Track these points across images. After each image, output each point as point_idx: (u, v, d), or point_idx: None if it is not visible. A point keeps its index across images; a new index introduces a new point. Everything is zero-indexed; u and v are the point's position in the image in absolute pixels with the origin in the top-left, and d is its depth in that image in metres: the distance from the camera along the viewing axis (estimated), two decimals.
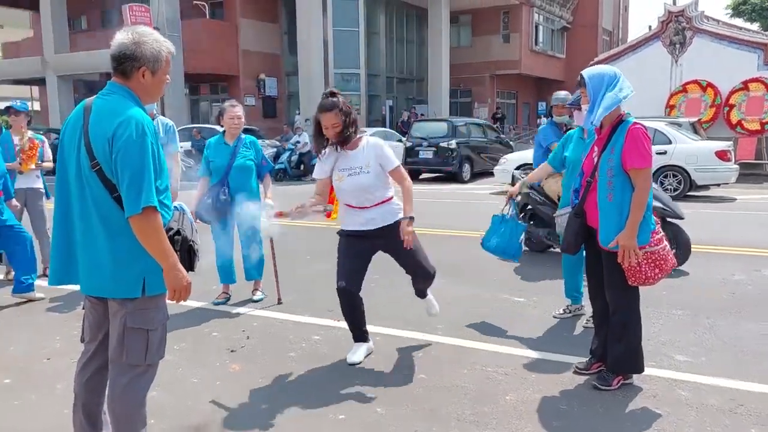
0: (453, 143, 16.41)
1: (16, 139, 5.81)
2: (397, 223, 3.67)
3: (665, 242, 3.36)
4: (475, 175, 17.00)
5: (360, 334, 3.99)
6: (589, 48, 34.03)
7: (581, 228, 3.46)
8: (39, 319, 4.89)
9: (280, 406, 3.34)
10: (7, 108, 5.91)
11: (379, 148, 3.71)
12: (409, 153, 17.09)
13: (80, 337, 2.63)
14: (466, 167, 16.85)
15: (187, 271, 2.42)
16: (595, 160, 3.36)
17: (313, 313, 4.93)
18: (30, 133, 5.97)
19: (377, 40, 27.88)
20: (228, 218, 5.06)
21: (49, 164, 6.08)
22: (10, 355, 4.12)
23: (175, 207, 2.50)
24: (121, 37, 2.36)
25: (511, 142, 20.54)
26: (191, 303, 5.21)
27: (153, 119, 5.51)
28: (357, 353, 3.92)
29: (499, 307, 5.10)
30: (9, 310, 5.14)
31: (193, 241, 2.50)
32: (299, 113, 24.17)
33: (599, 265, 3.47)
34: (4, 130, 5.99)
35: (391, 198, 3.81)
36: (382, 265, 6.55)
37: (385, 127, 24.66)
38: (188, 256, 2.48)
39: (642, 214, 3.21)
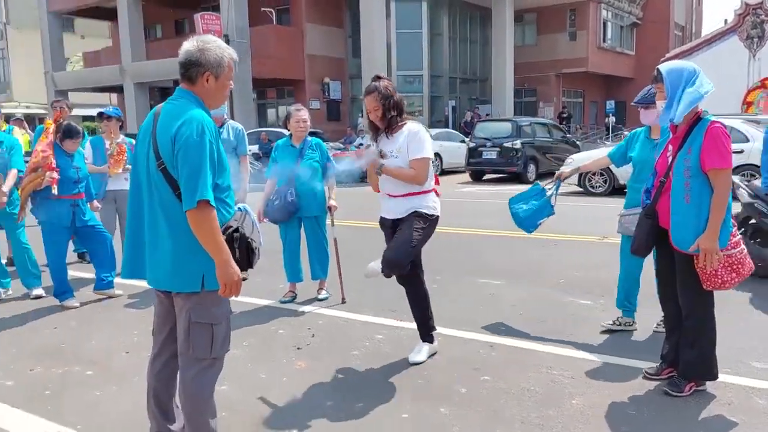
0: (517, 143, 16.19)
1: (107, 143, 6.13)
2: (409, 216, 3.69)
3: (743, 245, 3.24)
4: (541, 176, 16.69)
5: (424, 332, 4.01)
6: (661, 44, 32.87)
7: (653, 229, 3.34)
8: (118, 315, 5.14)
9: (344, 403, 3.40)
10: (100, 114, 6.23)
11: (413, 134, 3.65)
12: (472, 153, 16.98)
13: (152, 330, 2.77)
14: (531, 167, 16.60)
15: (246, 268, 2.52)
16: (669, 159, 3.24)
17: (376, 312, 4.99)
18: (120, 137, 6.29)
19: (440, 41, 27.84)
20: (295, 218, 5.19)
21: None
22: (91, 349, 4.36)
23: (238, 208, 2.59)
24: (187, 46, 2.51)
25: (577, 142, 20.10)
26: (259, 301, 5.37)
27: (223, 124, 5.73)
28: (420, 353, 3.93)
29: (564, 310, 5.01)
30: (90, 306, 5.43)
31: (251, 240, 2.57)
32: (362, 116, 24.39)
33: (671, 267, 3.37)
34: (87, 134, 6.32)
35: (427, 192, 3.73)
36: (442, 266, 6.57)
37: (447, 127, 24.57)
38: (246, 253, 2.55)
39: (723, 217, 3.10)
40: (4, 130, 5.71)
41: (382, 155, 3.62)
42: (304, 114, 5.22)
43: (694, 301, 3.27)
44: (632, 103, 4.37)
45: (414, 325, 4.57)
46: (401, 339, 4.36)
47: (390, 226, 3.83)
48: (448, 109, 28.15)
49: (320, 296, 5.36)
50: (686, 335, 3.33)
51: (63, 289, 5.34)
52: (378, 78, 3.69)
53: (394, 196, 3.73)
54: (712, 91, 3.14)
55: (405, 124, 3.68)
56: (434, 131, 20.43)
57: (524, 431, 3.04)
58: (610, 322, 4.45)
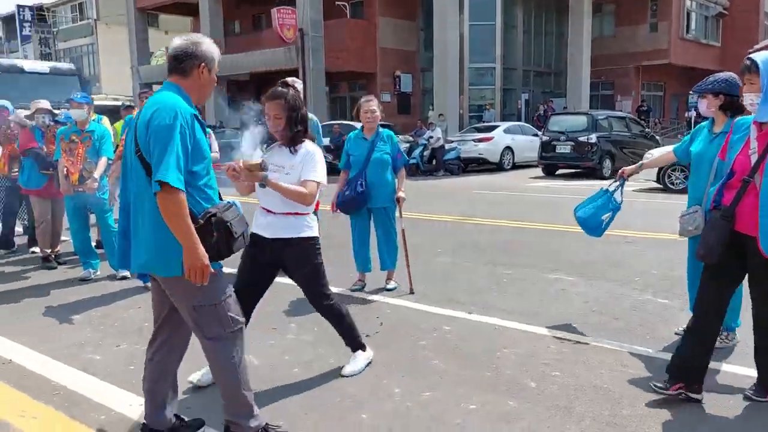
0: (593, 137, 15.72)
1: None
2: (298, 240, 3.35)
3: None
4: (617, 171, 16.14)
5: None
6: (749, 35, 31.06)
7: (727, 234, 3.01)
8: None
9: (412, 391, 3.43)
10: None
11: (311, 154, 3.32)
12: (545, 147, 16.63)
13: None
14: (607, 163, 16.09)
15: (226, 254, 2.59)
16: (753, 158, 2.98)
17: (444, 304, 4.98)
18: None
19: (514, 33, 27.36)
20: (365, 210, 5.25)
21: (216, 155, 6.64)
22: None
23: (227, 202, 2.63)
24: (179, 41, 2.61)
25: (657, 137, 19.32)
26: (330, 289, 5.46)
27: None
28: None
29: (640, 308, 4.86)
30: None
31: (230, 224, 2.55)
32: (432, 109, 24.34)
33: (734, 276, 3.12)
34: None
35: (307, 214, 3.41)
36: (513, 260, 6.49)
37: (520, 121, 24.15)
38: (226, 238, 2.54)
39: None
40: (93, 120, 6.03)
41: (263, 167, 3.09)
42: (373, 105, 5.23)
43: None
44: (692, 91, 4.16)
45: (483, 319, 4.56)
46: (469, 331, 4.34)
47: (263, 245, 3.38)
48: (521, 102, 27.67)
49: (388, 286, 5.41)
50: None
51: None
52: (285, 84, 3.36)
53: (274, 213, 3.35)
54: None
55: (305, 142, 3.35)
56: (506, 124, 20.15)
57: (596, 429, 2.98)
58: (683, 328, 4.22)
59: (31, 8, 33.42)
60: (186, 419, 2.98)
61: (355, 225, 5.36)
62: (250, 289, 3.44)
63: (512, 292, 5.32)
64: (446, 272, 6.07)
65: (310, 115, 6.20)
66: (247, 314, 3.37)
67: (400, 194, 5.27)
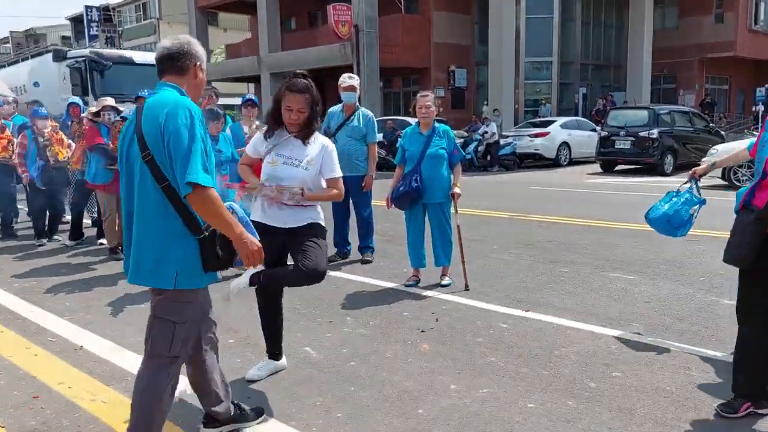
0: (654, 132, 15.25)
1: (246, 128, 6.54)
2: (307, 226, 3.36)
3: None
4: (680, 167, 15.62)
5: (277, 351, 3.69)
6: None
7: (760, 237, 2.84)
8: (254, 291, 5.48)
9: (469, 388, 3.42)
10: (248, 100, 6.63)
11: (329, 150, 3.38)
12: (604, 143, 16.23)
13: None
14: (669, 159, 15.58)
15: (226, 267, 2.54)
16: None
17: (500, 301, 4.94)
18: (257, 122, 6.70)
19: (572, 26, 26.73)
20: (420, 205, 5.26)
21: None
22: (231, 320, 4.69)
23: (230, 207, 2.55)
24: (168, 42, 2.55)
25: (721, 132, 18.58)
26: (384, 283, 5.51)
27: (354, 112, 5.93)
28: (262, 369, 3.63)
29: (705, 309, 4.69)
30: (231, 280, 5.82)
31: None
32: (487, 103, 24.07)
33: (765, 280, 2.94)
34: (229, 120, 6.77)
35: (315, 206, 3.44)
36: (571, 257, 6.37)
37: (577, 115, 23.63)
38: (228, 251, 2.48)
39: None
40: None
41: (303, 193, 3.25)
42: (429, 100, 5.21)
43: None
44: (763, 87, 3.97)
45: (541, 317, 4.51)
46: (526, 329, 4.30)
47: (280, 235, 3.36)
48: (578, 97, 27.05)
49: (443, 282, 5.40)
50: None
51: None
52: (305, 77, 3.27)
53: (289, 205, 3.33)
54: None
55: (315, 134, 3.36)
56: (563, 119, 19.77)
57: None
58: None
59: (98, 8, 34.75)
60: (246, 408, 3.04)
61: (410, 220, 5.37)
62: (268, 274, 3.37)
63: (570, 290, 5.23)
64: (502, 269, 6.02)
65: (366, 111, 6.28)
66: (275, 299, 3.62)
67: (456, 190, 5.25)
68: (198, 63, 2.58)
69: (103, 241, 7.45)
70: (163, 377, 2.52)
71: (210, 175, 2.39)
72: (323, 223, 3.45)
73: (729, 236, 2.97)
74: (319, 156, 3.32)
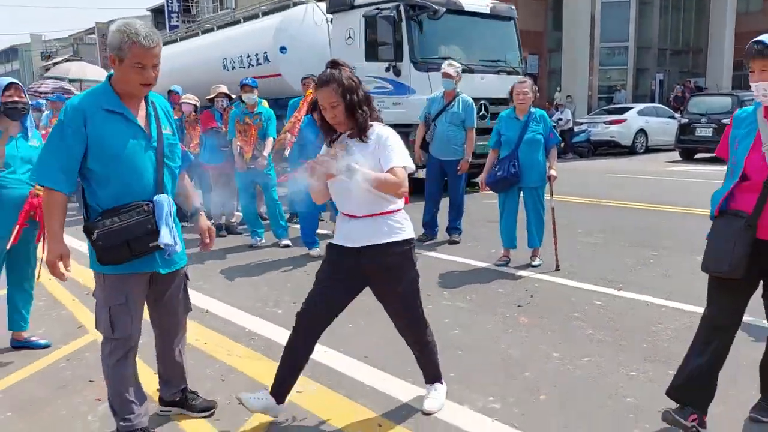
0: None
1: None
2: (391, 245, 2.80)
3: None
4: None
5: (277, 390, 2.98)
6: None
7: (751, 243, 2.57)
8: None
9: (571, 356, 3.65)
10: None
11: (384, 138, 2.75)
12: (684, 130, 15.84)
13: None
14: None
15: (107, 261, 2.54)
16: None
17: (591, 281, 5.11)
18: None
19: (650, 10, 25.95)
20: (515, 188, 5.48)
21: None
22: None
23: (139, 203, 2.56)
24: None
25: None
26: (476, 263, 5.77)
27: (455, 97, 6.20)
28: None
29: None
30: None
31: (104, 231, 2.50)
32: (560, 90, 23.76)
33: (753, 286, 2.73)
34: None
35: (399, 210, 2.86)
36: (659, 242, 6.42)
37: (653, 102, 23.01)
38: (120, 246, 2.53)
39: None
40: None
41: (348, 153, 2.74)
42: (526, 87, 5.42)
43: None
44: None
45: (634, 296, 4.65)
46: (621, 306, 4.47)
47: (351, 256, 2.84)
48: (656, 83, 26.29)
49: (534, 263, 5.61)
50: None
51: (311, 240, 6.19)
52: (335, 65, 2.77)
53: (357, 217, 2.80)
54: None
55: (374, 126, 2.80)
56: (640, 106, 19.34)
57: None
58: None
59: None
60: (199, 397, 3.12)
61: (505, 203, 5.59)
62: (323, 307, 2.92)
63: (660, 272, 5.34)
64: (590, 251, 6.16)
65: (466, 97, 6.53)
66: (313, 337, 2.98)
67: (552, 172, 5.44)
68: (111, 55, 2.47)
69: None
70: (104, 353, 2.70)
71: (67, 175, 2.48)
72: (407, 236, 2.86)
73: (709, 243, 2.69)
74: (374, 148, 2.75)
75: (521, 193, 5.54)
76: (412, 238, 2.90)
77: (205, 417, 3.03)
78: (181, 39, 15.22)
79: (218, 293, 5.08)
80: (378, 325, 4.22)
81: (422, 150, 6.69)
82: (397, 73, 9.57)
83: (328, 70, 2.75)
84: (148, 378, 3.18)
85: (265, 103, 7.17)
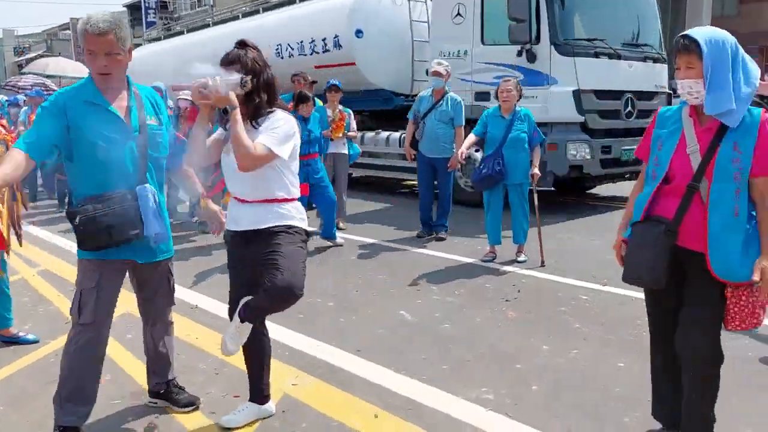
0: None
1: (329, 112, 6.93)
2: (275, 228, 2.68)
3: None
4: None
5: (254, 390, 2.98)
6: None
7: (671, 250, 2.37)
8: (343, 261, 5.91)
9: (560, 349, 3.72)
10: (332, 85, 7.04)
11: (275, 120, 2.65)
12: None
13: None
14: None
15: (89, 246, 2.63)
16: (693, 158, 2.34)
17: (577, 276, 5.20)
18: (340, 107, 7.09)
19: None
20: (500, 185, 5.56)
21: (354, 133, 7.24)
22: (327, 286, 5.08)
23: (113, 192, 2.61)
24: None
25: None
26: (463, 258, 5.83)
27: (443, 95, 6.31)
28: (239, 413, 2.94)
29: None
30: (321, 253, 6.24)
31: (81, 217, 2.56)
32: None
33: (678, 299, 2.47)
34: (317, 103, 7.16)
35: (291, 200, 2.75)
36: None
37: None
38: (82, 229, 2.59)
39: None
40: None
41: (243, 84, 2.57)
42: (509, 85, 5.50)
43: (712, 344, 2.40)
44: None
45: (619, 291, 4.73)
46: (606, 301, 4.56)
47: (240, 242, 2.77)
48: None
49: (519, 259, 5.69)
50: (695, 388, 2.46)
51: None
52: (243, 45, 2.66)
53: (248, 202, 2.72)
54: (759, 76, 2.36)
55: (274, 112, 2.68)
56: None
57: (752, 394, 3.15)
58: None
59: None
60: (183, 391, 3.12)
61: (490, 200, 5.66)
62: (245, 291, 2.75)
63: None
64: (577, 249, 6.26)
65: (454, 95, 6.62)
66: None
67: (535, 171, 5.52)
68: (80, 47, 2.78)
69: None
70: (70, 340, 2.72)
71: (29, 146, 2.51)
72: (300, 224, 2.76)
73: (628, 252, 2.51)
74: (262, 129, 2.64)
75: (506, 190, 5.62)
76: (301, 228, 2.77)
77: (186, 412, 3.03)
78: (214, 24, 13.52)
79: (206, 289, 5.07)
80: (368, 321, 4.28)
81: (412, 148, 6.75)
82: (531, 58, 7.50)
83: (235, 49, 2.66)
84: (141, 369, 3.19)
85: None
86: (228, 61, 2.60)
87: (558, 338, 3.90)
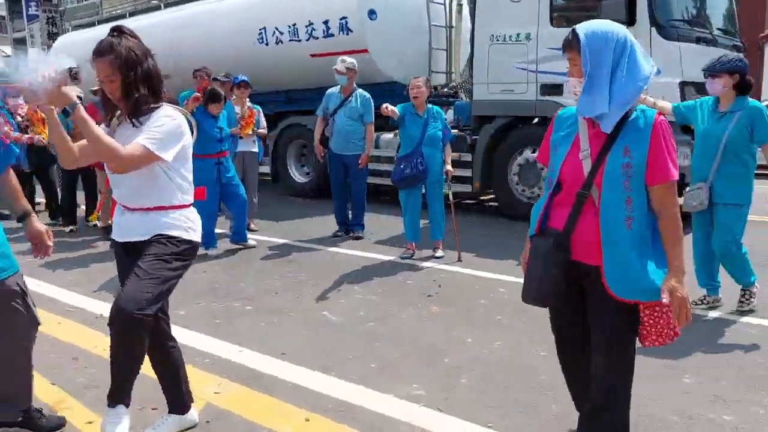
0: None
1: (237, 109, 6.68)
2: (155, 238, 2.43)
3: None
4: None
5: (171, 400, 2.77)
6: None
7: (564, 266, 2.13)
8: (256, 263, 5.70)
9: (484, 341, 3.76)
10: (241, 81, 6.77)
11: (158, 117, 2.36)
12: None
13: None
14: None
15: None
16: (585, 163, 2.09)
17: (493, 270, 5.31)
18: (248, 103, 6.85)
19: None
20: (419, 185, 5.59)
21: (263, 131, 7.02)
22: (242, 289, 4.89)
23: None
24: None
25: None
26: (382, 256, 5.80)
27: (351, 93, 6.22)
28: (164, 424, 2.71)
29: None
30: (230, 255, 6.00)
31: None
32: None
33: (580, 319, 2.25)
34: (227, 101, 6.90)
35: (181, 207, 2.49)
36: None
37: None
38: None
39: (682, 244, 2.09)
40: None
41: (73, 75, 2.28)
42: (419, 82, 5.53)
43: (619, 364, 2.15)
44: (702, 69, 4.08)
45: None
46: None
47: (121, 254, 2.57)
48: None
49: (437, 254, 5.74)
50: (601, 412, 2.20)
51: (207, 240, 5.93)
52: (119, 32, 2.35)
53: (130, 209, 2.47)
54: (653, 75, 2.07)
55: (159, 108, 2.40)
56: None
57: (673, 374, 3.32)
58: (698, 301, 4.25)
59: None
60: (43, 415, 2.80)
61: (408, 198, 5.67)
62: None
63: None
64: (492, 243, 6.38)
65: (363, 92, 6.57)
66: (156, 334, 2.58)
67: (448, 167, 5.60)
68: None
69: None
70: None
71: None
72: (181, 234, 2.47)
73: (527, 268, 2.28)
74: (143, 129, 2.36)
75: (423, 188, 5.66)
76: (182, 239, 2.46)
77: None
78: (166, 6, 11.19)
79: (110, 297, 4.72)
80: (291, 323, 4.15)
81: (322, 146, 6.65)
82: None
83: (108, 37, 2.35)
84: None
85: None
86: (100, 52, 2.31)
87: (481, 331, 3.95)
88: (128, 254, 2.50)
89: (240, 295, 4.72)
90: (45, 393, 3.11)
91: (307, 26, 8.47)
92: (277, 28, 8.81)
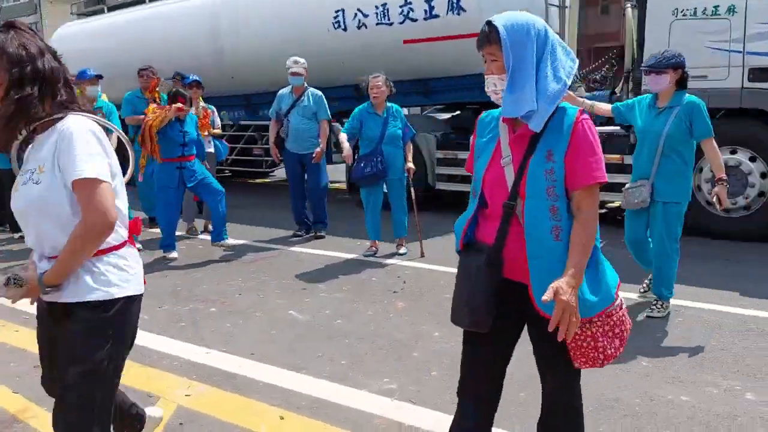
0: None
1: (192, 110, 6.58)
2: (76, 306, 1.84)
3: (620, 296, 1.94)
4: None
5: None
6: None
7: (496, 285, 1.91)
8: (219, 265, 5.63)
9: (452, 335, 3.81)
10: (194, 81, 6.68)
11: (66, 136, 1.81)
12: None
13: None
14: None
15: None
16: (508, 170, 1.89)
17: (455, 265, 5.36)
18: (202, 103, 6.76)
19: None
20: (380, 183, 5.63)
21: (218, 131, 6.93)
22: (205, 291, 4.84)
23: None
24: None
25: None
26: (345, 255, 5.82)
27: (303, 92, 6.25)
28: None
29: None
30: (188, 258, 5.92)
31: None
32: None
33: (514, 337, 2.10)
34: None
35: (111, 250, 1.89)
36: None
37: None
38: None
39: (591, 251, 1.84)
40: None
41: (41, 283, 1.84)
42: (379, 81, 5.53)
43: (568, 385, 2.04)
44: (641, 67, 4.01)
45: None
46: None
47: (42, 315, 2.00)
48: None
49: (400, 251, 5.79)
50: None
51: (168, 243, 5.84)
52: (10, 27, 1.88)
53: (47, 258, 1.89)
54: (574, 71, 1.90)
55: (64, 118, 1.86)
56: None
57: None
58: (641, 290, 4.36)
59: None
60: None
61: (369, 197, 5.71)
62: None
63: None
64: (451, 240, 6.48)
65: (315, 90, 6.65)
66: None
67: (409, 165, 5.65)
68: None
69: None
70: None
71: None
72: (100, 296, 1.85)
73: (455, 289, 2.07)
74: (52, 152, 1.83)
75: (384, 186, 5.71)
76: (115, 299, 1.87)
77: None
78: None
79: None
80: (257, 323, 4.14)
81: (276, 147, 6.62)
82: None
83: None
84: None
85: (105, 97, 6.63)
86: None
87: (448, 324, 3.92)
88: (49, 315, 1.94)
89: (203, 297, 4.68)
90: (8, 402, 3.04)
91: (402, 6, 7.08)
92: (359, 9, 7.41)
